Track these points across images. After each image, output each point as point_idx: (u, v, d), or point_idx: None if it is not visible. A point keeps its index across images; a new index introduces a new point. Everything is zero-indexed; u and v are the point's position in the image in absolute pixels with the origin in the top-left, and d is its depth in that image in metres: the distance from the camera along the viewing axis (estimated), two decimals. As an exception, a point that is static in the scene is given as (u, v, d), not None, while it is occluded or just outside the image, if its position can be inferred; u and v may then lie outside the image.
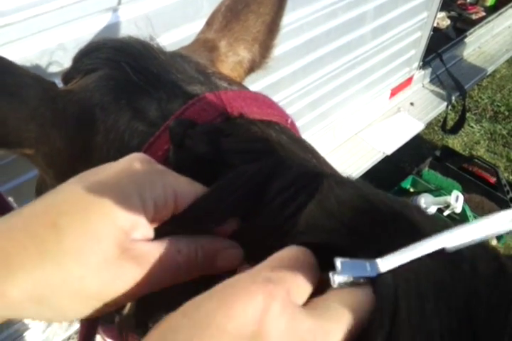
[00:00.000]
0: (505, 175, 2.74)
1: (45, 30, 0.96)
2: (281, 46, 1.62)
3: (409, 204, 0.33)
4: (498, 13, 3.21)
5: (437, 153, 2.69)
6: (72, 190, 0.34)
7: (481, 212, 2.45)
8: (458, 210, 2.23)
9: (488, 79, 3.49)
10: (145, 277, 0.33)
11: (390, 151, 2.36)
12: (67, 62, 1.05)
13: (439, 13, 2.48)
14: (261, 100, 0.48)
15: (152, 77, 0.49)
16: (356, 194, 0.33)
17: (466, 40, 2.98)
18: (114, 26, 1.08)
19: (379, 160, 2.35)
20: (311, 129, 2.15)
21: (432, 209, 2.28)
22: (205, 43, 0.65)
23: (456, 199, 2.21)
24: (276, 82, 1.73)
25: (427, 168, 2.63)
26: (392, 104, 2.59)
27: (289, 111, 1.74)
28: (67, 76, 0.58)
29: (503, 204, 2.46)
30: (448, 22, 3.14)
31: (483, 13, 3.25)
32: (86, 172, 0.36)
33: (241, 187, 0.36)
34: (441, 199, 2.27)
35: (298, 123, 1.90)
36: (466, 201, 2.30)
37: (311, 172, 0.37)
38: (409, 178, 2.55)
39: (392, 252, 0.28)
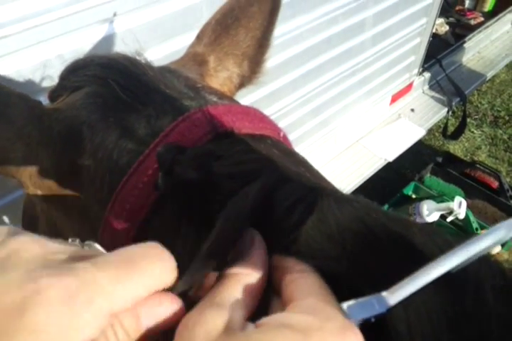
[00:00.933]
0: (508, 179, 2.73)
1: (43, 41, 0.96)
2: (281, 54, 1.63)
3: (409, 223, 0.32)
4: (497, 18, 3.22)
5: (439, 159, 2.68)
6: None
7: (484, 217, 2.44)
8: (461, 216, 2.22)
9: (488, 84, 3.49)
10: None
11: (391, 158, 2.35)
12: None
13: (437, 19, 2.48)
14: (252, 114, 0.47)
15: (140, 94, 0.48)
16: (355, 215, 0.32)
17: (465, 45, 2.98)
18: (113, 36, 1.08)
19: (381, 167, 2.34)
20: (312, 137, 2.15)
21: (435, 216, 2.27)
22: (194, 57, 0.65)
23: (459, 205, 2.20)
24: (277, 89, 1.73)
25: (428, 174, 2.62)
26: (393, 110, 2.58)
27: (290, 119, 1.75)
28: (54, 93, 0.57)
29: (506, 209, 2.45)
30: (447, 28, 3.15)
31: (482, 19, 3.26)
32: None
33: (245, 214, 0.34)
34: (444, 205, 2.26)
35: (299, 131, 1.90)
36: (468, 207, 2.29)
37: (307, 187, 0.36)
38: (411, 185, 2.54)
39: (396, 282, 0.27)
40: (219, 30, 0.66)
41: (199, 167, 0.39)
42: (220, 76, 0.65)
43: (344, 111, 2.24)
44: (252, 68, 0.68)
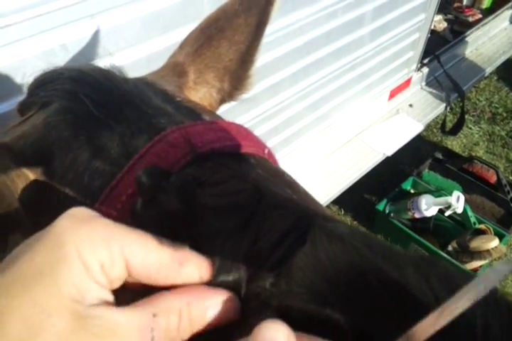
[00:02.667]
0: (505, 175, 2.74)
1: (46, 30, 0.96)
2: (280, 48, 1.64)
3: (403, 261, 0.30)
4: (495, 15, 3.23)
5: (437, 154, 2.70)
6: (11, 270, 0.30)
7: (482, 212, 2.46)
8: (459, 210, 2.24)
9: (486, 80, 3.50)
10: None
11: (390, 153, 2.36)
12: (68, 63, 1.05)
13: (435, 16, 2.50)
14: (234, 131, 0.44)
15: (114, 110, 0.45)
16: (347, 258, 0.30)
17: (463, 42, 2.99)
18: (114, 27, 1.08)
19: (380, 161, 2.36)
20: (311, 131, 2.16)
21: (433, 210, 2.28)
22: (174, 67, 0.62)
23: (458, 200, 2.21)
24: (275, 83, 1.73)
25: (427, 170, 2.64)
26: (391, 105, 2.60)
27: (288, 113, 1.76)
28: (23, 106, 0.53)
29: (503, 204, 2.47)
30: (445, 25, 3.16)
31: (480, 16, 3.27)
32: (31, 237, 0.32)
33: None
34: (443, 199, 2.27)
35: (298, 126, 1.91)
36: (467, 202, 2.31)
37: (296, 215, 0.34)
38: (410, 180, 2.56)
39: (396, 335, 0.25)
40: (202, 39, 0.63)
41: (183, 196, 0.36)
42: (200, 89, 0.62)
43: (343, 105, 2.25)
44: (234, 84, 0.64)
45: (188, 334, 0.31)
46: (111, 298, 0.31)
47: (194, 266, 0.32)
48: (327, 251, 0.31)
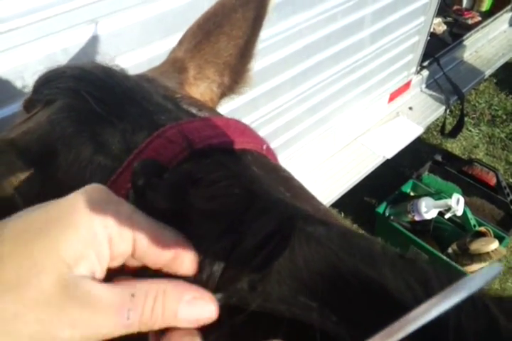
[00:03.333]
0: (505, 177, 2.75)
1: (48, 35, 0.97)
2: (280, 51, 1.64)
3: (380, 261, 0.30)
4: (494, 17, 3.24)
5: (437, 157, 2.70)
6: (20, 220, 0.31)
7: (481, 214, 2.46)
8: (459, 213, 2.24)
9: (485, 83, 3.51)
10: (89, 323, 0.29)
11: (390, 155, 2.36)
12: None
13: (435, 19, 2.50)
14: (232, 127, 0.44)
15: (115, 107, 0.46)
16: (325, 259, 0.31)
17: (463, 44, 3.00)
18: (116, 31, 1.09)
19: (379, 164, 2.36)
20: (311, 134, 2.16)
21: (433, 213, 2.28)
22: (174, 63, 0.62)
23: (457, 202, 2.21)
24: (275, 87, 1.74)
25: (426, 172, 2.64)
26: (391, 108, 2.60)
27: (288, 116, 1.76)
28: (29, 103, 0.54)
29: (503, 207, 2.47)
30: (444, 27, 3.17)
31: (479, 18, 3.28)
32: (38, 204, 0.33)
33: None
34: (442, 202, 2.28)
35: (298, 129, 1.91)
36: (466, 204, 2.31)
37: (283, 217, 0.34)
38: (410, 182, 2.56)
39: (371, 335, 0.26)
40: (200, 35, 0.64)
41: (173, 195, 0.36)
42: (200, 84, 0.63)
43: (343, 108, 2.25)
44: (234, 78, 0.65)
45: (159, 324, 0.31)
46: (102, 271, 0.31)
47: (190, 257, 0.33)
48: (305, 254, 0.31)
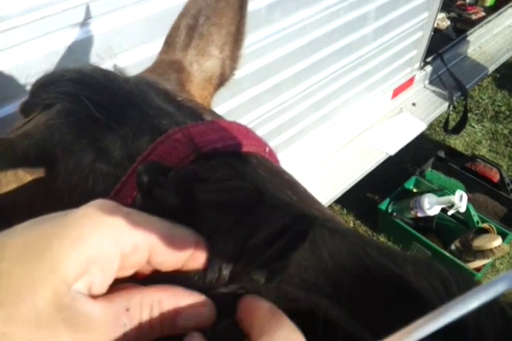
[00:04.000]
0: (508, 174, 2.74)
1: (51, 32, 0.97)
2: (284, 47, 1.64)
3: (403, 260, 0.30)
4: (498, 13, 3.22)
5: (440, 153, 2.69)
6: (23, 234, 0.30)
7: (485, 211, 2.46)
8: (462, 209, 2.24)
9: (489, 79, 3.49)
10: None
11: (393, 152, 2.36)
12: (71, 65, 1.05)
13: (439, 14, 2.49)
14: (235, 131, 0.44)
15: (116, 112, 0.45)
16: (351, 251, 0.31)
17: (467, 40, 2.99)
18: (119, 29, 1.09)
19: (383, 160, 2.36)
20: (314, 131, 2.16)
21: (436, 209, 2.28)
22: (171, 65, 0.62)
23: (460, 199, 2.21)
24: (279, 83, 1.74)
25: (429, 169, 2.64)
26: (395, 104, 2.59)
27: (292, 112, 1.76)
28: (26, 107, 0.54)
29: (506, 203, 2.47)
30: (448, 23, 3.15)
31: (483, 14, 3.26)
32: (45, 215, 0.32)
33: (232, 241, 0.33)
34: (445, 198, 2.27)
35: (301, 125, 1.91)
36: (469, 200, 2.30)
37: (295, 213, 0.34)
38: (413, 179, 2.56)
39: (394, 331, 0.25)
40: (191, 32, 0.63)
41: (181, 191, 0.36)
42: (201, 80, 0.62)
43: (346, 105, 2.25)
44: (231, 65, 0.65)
45: (157, 334, 0.31)
46: (104, 286, 0.31)
47: (205, 254, 0.33)
48: (329, 247, 0.31)
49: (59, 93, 0.49)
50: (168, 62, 0.62)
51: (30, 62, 0.97)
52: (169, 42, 0.64)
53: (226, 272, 0.32)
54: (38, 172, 0.45)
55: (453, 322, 0.24)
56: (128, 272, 0.32)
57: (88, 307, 0.29)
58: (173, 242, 0.32)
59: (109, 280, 0.31)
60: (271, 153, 0.47)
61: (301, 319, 0.30)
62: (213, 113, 0.56)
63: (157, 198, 0.36)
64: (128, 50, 1.14)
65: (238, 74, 1.63)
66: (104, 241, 0.30)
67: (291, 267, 0.30)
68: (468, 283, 0.28)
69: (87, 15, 1.00)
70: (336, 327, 0.28)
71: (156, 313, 0.30)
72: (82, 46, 1.03)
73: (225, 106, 1.55)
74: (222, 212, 0.35)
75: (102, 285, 0.30)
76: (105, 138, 0.43)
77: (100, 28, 1.04)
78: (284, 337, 0.28)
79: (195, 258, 0.33)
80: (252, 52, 1.51)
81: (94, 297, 0.30)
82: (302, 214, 0.34)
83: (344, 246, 0.31)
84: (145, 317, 0.30)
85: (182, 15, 0.64)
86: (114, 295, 0.30)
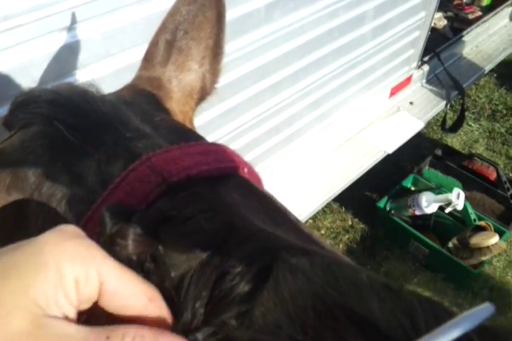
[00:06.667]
0: (505, 172, 2.76)
1: (53, 31, 0.98)
2: (282, 46, 1.65)
3: (368, 293, 0.29)
4: (494, 12, 3.24)
5: (437, 151, 2.71)
6: None
7: (482, 209, 2.47)
8: (459, 207, 2.25)
9: (486, 78, 3.51)
10: None
11: (391, 150, 2.37)
12: (73, 64, 1.06)
13: (436, 14, 2.50)
14: (212, 153, 0.43)
15: (91, 135, 0.45)
16: (311, 291, 0.30)
17: (463, 39, 3.00)
18: (120, 28, 1.10)
19: (380, 159, 2.37)
20: (312, 129, 2.17)
21: (434, 207, 2.29)
22: (150, 81, 0.61)
23: (458, 197, 2.23)
24: (277, 82, 1.75)
25: (427, 167, 2.65)
26: (392, 103, 2.61)
27: (290, 111, 1.77)
28: (7, 123, 0.53)
29: (503, 201, 2.48)
30: (445, 22, 3.17)
31: (480, 13, 3.28)
32: (10, 245, 0.32)
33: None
34: (443, 196, 2.29)
35: (299, 124, 1.92)
36: (467, 198, 2.32)
37: (262, 247, 0.34)
38: (410, 177, 2.57)
39: None
40: (170, 48, 0.63)
41: (144, 238, 0.35)
42: (181, 96, 0.62)
43: (344, 103, 2.26)
44: (211, 79, 0.65)
45: None
46: (73, 316, 0.31)
47: (160, 306, 0.33)
48: (290, 286, 0.31)
49: (35, 114, 0.49)
50: (147, 79, 0.62)
51: (33, 60, 0.98)
52: (148, 59, 0.64)
53: (200, 316, 0.32)
54: (10, 195, 0.45)
55: None
56: (85, 305, 0.32)
57: (69, 328, 0.29)
58: (124, 283, 0.32)
59: (75, 307, 0.31)
60: (250, 171, 0.46)
61: None
62: (192, 132, 0.55)
63: (120, 246, 0.36)
64: (129, 48, 1.15)
65: (237, 73, 1.64)
66: (61, 267, 0.30)
67: (256, 309, 0.31)
68: (437, 315, 0.27)
69: (89, 15, 1.01)
70: None
71: None
72: (83, 45, 1.04)
73: (224, 105, 1.56)
74: (189, 256, 0.35)
75: (72, 314, 0.31)
76: (80, 162, 0.43)
77: (102, 26, 1.05)
78: None
79: (151, 310, 0.33)
80: (251, 51, 1.52)
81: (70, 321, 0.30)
82: (270, 248, 0.34)
83: (304, 286, 0.31)
84: None
85: (160, 30, 0.64)
86: (95, 326, 0.30)
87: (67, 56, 1.03)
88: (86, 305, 0.32)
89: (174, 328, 0.33)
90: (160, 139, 0.46)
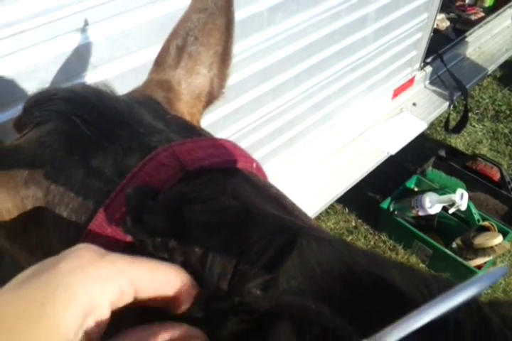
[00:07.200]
0: (509, 172, 2.76)
1: (59, 35, 0.99)
2: (285, 49, 1.66)
3: (388, 264, 0.32)
4: (497, 13, 3.24)
5: (441, 152, 2.71)
6: (11, 302, 0.30)
7: (485, 209, 2.47)
8: (463, 208, 2.25)
9: (489, 79, 3.51)
10: None
11: (394, 151, 2.38)
12: (80, 68, 1.08)
13: (438, 15, 2.51)
14: (222, 147, 0.45)
15: (106, 130, 0.46)
16: (337, 257, 0.32)
17: (466, 40, 3.01)
18: (126, 31, 1.11)
19: (383, 160, 2.37)
20: (315, 131, 2.18)
21: (437, 208, 2.30)
22: (160, 84, 0.63)
23: (461, 197, 2.23)
24: (280, 84, 1.76)
25: (430, 168, 2.65)
26: (395, 104, 2.61)
27: (293, 113, 1.78)
28: (19, 123, 0.55)
29: (507, 202, 2.48)
30: (447, 23, 3.18)
31: (482, 14, 3.29)
32: (28, 272, 0.33)
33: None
34: (446, 197, 2.29)
35: (302, 125, 1.93)
36: (470, 199, 2.32)
37: (281, 226, 0.36)
38: (414, 178, 2.58)
39: (380, 329, 0.27)
40: (180, 53, 0.65)
41: (170, 215, 0.37)
42: (190, 98, 0.64)
43: (347, 105, 2.27)
44: (219, 84, 0.67)
45: None
46: (101, 327, 0.32)
47: (189, 285, 0.35)
48: (316, 254, 0.32)
49: (51, 111, 0.50)
50: (158, 82, 0.64)
51: (39, 64, 1.00)
52: (159, 62, 0.66)
53: (224, 287, 0.34)
54: (27, 189, 0.46)
55: (435, 319, 0.26)
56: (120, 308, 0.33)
57: None
58: (155, 282, 0.34)
59: (104, 326, 0.32)
60: (258, 168, 0.49)
61: (292, 322, 0.31)
62: (202, 130, 0.57)
63: (147, 222, 0.37)
64: (135, 52, 1.16)
65: (240, 75, 1.65)
66: (93, 294, 0.31)
67: (281, 276, 0.32)
68: (448, 284, 0.30)
69: (95, 19, 1.02)
70: (325, 328, 0.29)
71: None
72: (89, 49, 1.06)
73: (228, 107, 1.58)
74: (212, 231, 0.36)
75: (97, 334, 0.32)
76: (96, 155, 0.45)
77: (108, 30, 1.07)
78: None
79: (180, 294, 0.34)
80: (254, 54, 1.53)
81: None
82: (288, 226, 0.36)
83: (331, 253, 0.32)
84: None
85: (171, 36, 0.66)
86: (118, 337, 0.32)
87: (73, 60, 1.05)
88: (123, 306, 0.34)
89: (200, 301, 0.35)
90: (173, 134, 0.48)
